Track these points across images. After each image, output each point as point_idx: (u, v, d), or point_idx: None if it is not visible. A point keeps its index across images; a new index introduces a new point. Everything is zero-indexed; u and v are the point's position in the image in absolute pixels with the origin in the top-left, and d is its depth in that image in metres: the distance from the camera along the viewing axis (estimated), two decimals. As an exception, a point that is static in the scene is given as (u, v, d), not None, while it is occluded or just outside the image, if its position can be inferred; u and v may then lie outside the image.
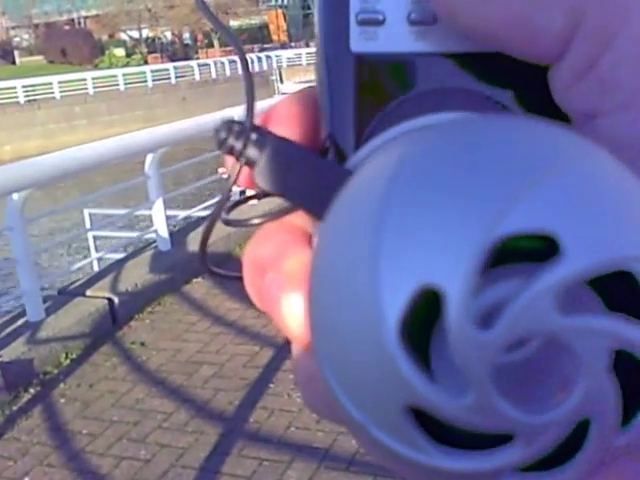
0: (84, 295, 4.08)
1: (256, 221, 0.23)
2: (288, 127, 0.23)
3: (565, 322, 0.14)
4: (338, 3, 0.22)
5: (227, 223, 0.25)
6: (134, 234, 5.44)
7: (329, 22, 0.22)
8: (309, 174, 0.22)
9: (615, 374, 0.15)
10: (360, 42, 0.21)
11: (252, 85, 0.24)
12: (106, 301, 3.97)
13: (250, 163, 0.23)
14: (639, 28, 0.18)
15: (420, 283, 0.14)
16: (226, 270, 0.28)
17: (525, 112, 0.20)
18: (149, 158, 4.81)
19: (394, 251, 0.14)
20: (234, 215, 0.25)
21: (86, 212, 6.19)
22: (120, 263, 4.63)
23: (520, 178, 0.14)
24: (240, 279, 0.24)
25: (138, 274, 4.38)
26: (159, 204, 4.86)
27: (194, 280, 4.61)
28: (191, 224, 5.50)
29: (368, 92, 0.21)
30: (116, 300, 4.02)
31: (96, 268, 4.92)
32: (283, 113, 0.24)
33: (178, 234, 5.16)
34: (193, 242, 4.96)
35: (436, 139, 0.16)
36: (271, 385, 3.18)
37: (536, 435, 0.15)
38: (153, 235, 5.00)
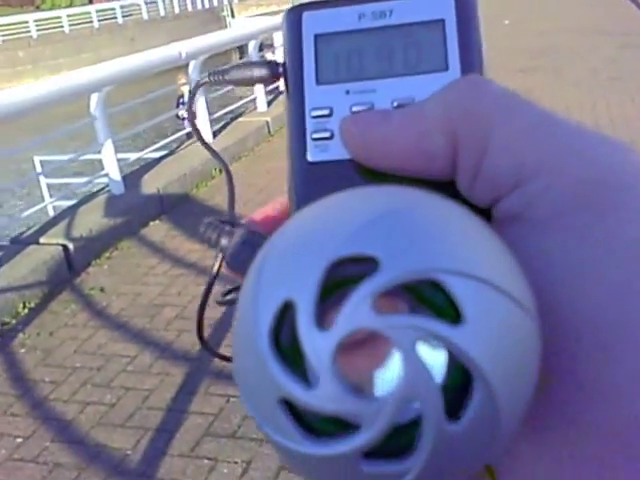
0: (38, 243, 3.98)
1: None
2: (267, 226, 0.29)
3: (380, 320, 0.18)
4: (298, 126, 0.29)
5: (221, 304, 0.32)
6: (85, 179, 5.28)
7: (292, 140, 0.29)
8: None
9: (445, 373, 0.19)
10: (315, 153, 0.29)
11: (232, 191, 0.34)
12: (61, 248, 3.88)
13: (223, 251, 0.30)
14: (505, 129, 0.23)
15: (282, 299, 0.19)
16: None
17: None
18: (94, 98, 4.63)
19: (268, 280, 0.20)
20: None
21: (36, 159, 6.00)
22: (72, 209, 4.51)
23: (350, 222, 0.19)
24: (229, 359, 0.29)
25: (92, 219, 4.28)
26: (109, 146, 4.72)
27: (151, 223, 4.53)
28: (144, 166, 5.36)
29: (322, 189, 0.26)
30: (71, 247, 3.93)
31: (52, 214, 4.79)
32: (263, 214, 0.30)
33: (131, 177, 5.04)
34: (148, 184, 4.85)
35: (302, 210, 0.22)
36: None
37: (374, 418, 0.18)
38: (105, 180, 4.87)
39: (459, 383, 0.19)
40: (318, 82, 0.29)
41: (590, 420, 0.22)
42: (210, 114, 5.90)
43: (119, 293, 3.63)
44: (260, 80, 0.33)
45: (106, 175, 4.79)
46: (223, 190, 4.97)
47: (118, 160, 4.80)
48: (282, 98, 7.24)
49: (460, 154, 0.24)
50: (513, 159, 0.23)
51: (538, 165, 0.22)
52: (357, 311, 0.18)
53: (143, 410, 2.64)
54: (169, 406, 2.64)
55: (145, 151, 5.60)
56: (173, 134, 6.01)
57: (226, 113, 6.63)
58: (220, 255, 0.30)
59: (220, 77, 0.35)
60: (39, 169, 5.81)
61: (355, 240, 0.19)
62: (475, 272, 0.19)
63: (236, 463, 2.28)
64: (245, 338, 0.20)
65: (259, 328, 0.19)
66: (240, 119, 6.61)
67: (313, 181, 0.28)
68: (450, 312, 0.19)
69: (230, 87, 7.70)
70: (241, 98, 6.99)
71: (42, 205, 4.88)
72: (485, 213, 0.24)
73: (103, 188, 4.94)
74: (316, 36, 0.30)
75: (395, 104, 0.28)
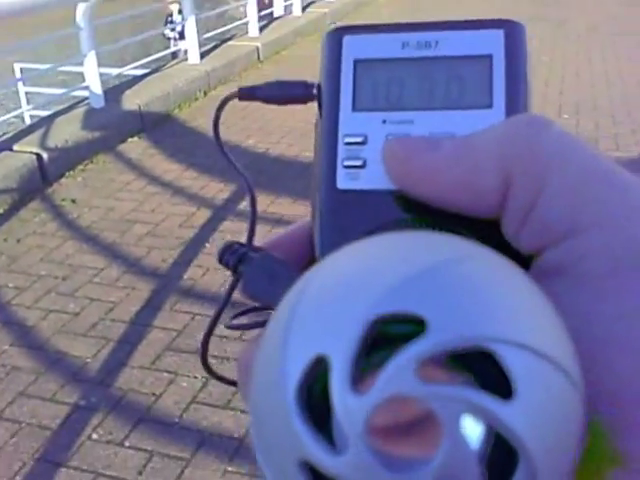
0: (11, 150, 3.86)
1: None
2: (287, 252, 0.28)
3: (425, 389, 0.16)
4: (329, 151, 0.28)
5: (231, 328, 0.31)
6: (64, 90, 5.12)
7: (321, 165, 0.28)
8: (285, 284, 0.24)
9: (485, 448, 0.17)
10: (345, 181, 0.27)
11: (255, 214, 0.32)
12: (34, 157, 3.78)
13: (240, 275, 0.29)
14: (563, 175, 0.22)
15: (314, 353, 0.17)
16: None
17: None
18: (81, 7, 4.45)
19: (300, 330, 0.18)
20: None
21: (17, 66, 5.81)
22: (49, 119, 4.38)
23: (396, 276, 0.17)
24: (233, 383, 0.28)
25: (69, 131, 4.16)
26: (92, 58, 4.56)
27: (130, 139, 4.42)
28: (126, 82, 5.20)
29: (349, 219, 0.26)
30: (45, 156, 3.83)
31: (28, 122, 4.65)
32: (284, 238, 0.29)
33: (113, 92, 4.89)
34: (129, 100, 4.71)
35: (340, 253, 0.20)
36: (207, 245, 3.13)
37: None
38: (86, 93, 4.72)
39: (500, 460, 0.17)
40: (354, 108, 0.28)
41: None
42: (199, 34, 5.71)
43: (91, 206, 3.56)
44: (293, 100, 0.32)
45: (87, 87, 4.64)
46: (206, 112, 4.86)
47: (100, 75, 4.64)
48: (275, 24, 7.05)
49: (511, 194, 0.22)
50: (568, 206, 0.21)
51: (595, 217, 0.21)
52: (399, 376, 0.17)
53: (106, 321, 2.61)
54: (133, 319, 2.61)
55: (128, 67, 5.42)
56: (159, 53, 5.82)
57: (217, 34, 6.43)
58: (233, 282, 0.29)
59: (250, 93, 0.34)
60: (18, 76, 5.63)
61: (401, 297, 0.17)
62: (531, 343, 0.17)
63: (196, 378, 2.27)
64: (269, 389, 0.18)
65: (286, 381, 0.17)
66: (230, 42, 6.42)
67: (341, 209, 0.27)
68: (500, 385, 0.17)
69: (223, 8, 7.48)
70: (233, 20, 6.78)
71: (18, 112, 4.74)
72: (526, 260, 0.23)
73: (82, 100, 4.80)
74: (356, 61, 0.29)
75: None
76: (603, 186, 0.21)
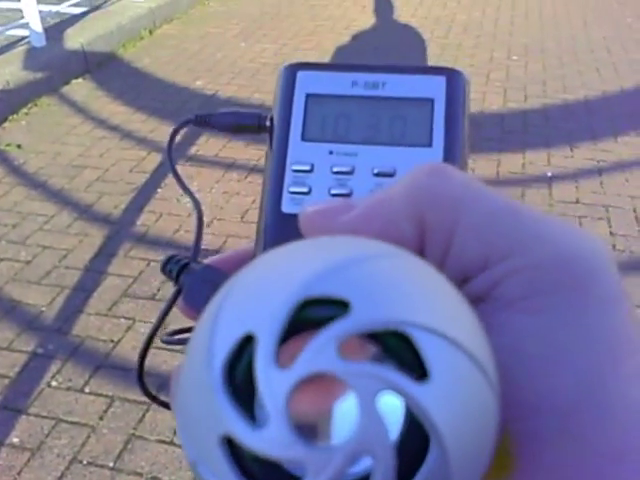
0: (-52, 92, 3.70)
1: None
2: (230, 268, 0.28)
3: (344, 366, 0.17)
4: (277, 177, 0.30)
5: (168, 343, 0.31)
6: (2, 28, 4.89)
7: (269, 190, 0.30)
8: None
9: (401, 432, 0.18)
10: (290, 205, 0.29)
11: (201, 228, 0.33)
12: (-26, 99, 3.63)
13: (182, 286, 0.30)
14: (471, 216, 0.23)
15: (242, 331, 0.18)
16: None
17: None
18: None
19: (230, 312, 0.19)
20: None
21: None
22: (-12, 59, 4.19)
23: (323, 265, 0.19)
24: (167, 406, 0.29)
25: (10, 72, 4.00)
26: (30, -7, 4.35)
27: (74, 81, 4.28)
28: (68, 20, 4.99)
29: (291, 241, 0.28)
30: (-14, 99, 3.68)
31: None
32: (227, 258, 0.30)
33: (54, 30, 4.70)
34: (71, 39, 4.54)
35: (271, 251, 0.21)
36: (159, 190, 3.10)
37: (321, 468, 0.17)
38: (26, 32, 4.52)
39: (414, 445, 0.18)
40: (303, 138, 0.30)
41: None
42: (142, -31, 5.48)
43: (38, 151, 3.46)
44: (245, 129, 0.34)
45: (26, 25, 4.45)
46: (152, 52, 4.73)
47: (39, 12, 4.44)
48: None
49: (427, 239, 0.24)
50: (481, 244, 0.23)
51: (505, 250, 0.23)
52: (321, 353, 0.17)
53: (60, 269, 2.59)
54: (87, 266, 2.60)
55: (69, 2, 5.20)
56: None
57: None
58: (175, 292, 0.30)
59: (204, 120, 0.35)
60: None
61: (326, 281, 0.18)
62: (447, 332, 0.18)
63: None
64: (196, 368, 0.19)
65: (213, 358, 0.18)
66: (174, -22, 6.19)
67: (284, 231, 0.29)
68: (416, 368, 0.18)
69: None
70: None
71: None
72: None
73: (22, 39, 4.60)
74: (308, 95, 0.31)
75: (375, 171, 0.29)
76: (510, 221, 0.23)
